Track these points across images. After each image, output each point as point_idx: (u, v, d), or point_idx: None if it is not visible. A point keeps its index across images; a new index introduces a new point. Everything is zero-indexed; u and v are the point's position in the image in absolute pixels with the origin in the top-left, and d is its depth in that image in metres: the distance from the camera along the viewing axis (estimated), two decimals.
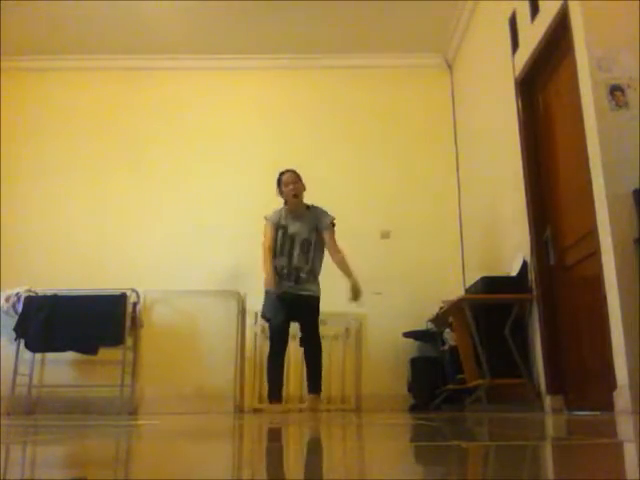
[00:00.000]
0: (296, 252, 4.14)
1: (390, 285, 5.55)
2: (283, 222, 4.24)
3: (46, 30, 5.80)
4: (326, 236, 4.17)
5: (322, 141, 6.01)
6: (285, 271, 4.12)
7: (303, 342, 4.13)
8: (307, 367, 4.12)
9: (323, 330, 5.41)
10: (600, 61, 3.21)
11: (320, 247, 4.21)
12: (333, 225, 4.19)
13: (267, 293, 4.15)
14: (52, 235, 5.77)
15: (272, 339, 4.15)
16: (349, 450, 1.29)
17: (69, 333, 4.98)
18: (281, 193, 4.27)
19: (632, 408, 2.77)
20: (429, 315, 5.08)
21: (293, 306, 4.07)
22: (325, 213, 4.24)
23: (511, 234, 4.45)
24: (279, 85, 6.22)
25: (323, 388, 5.31)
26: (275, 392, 4.10)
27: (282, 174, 4.31)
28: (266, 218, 4.30)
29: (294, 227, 4.20)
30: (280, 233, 4.19)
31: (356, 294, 4.09)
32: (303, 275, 4.11)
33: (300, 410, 4.19)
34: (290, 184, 4.23)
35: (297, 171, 4.31)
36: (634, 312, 2.88)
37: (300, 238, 4.16)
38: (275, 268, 4.12)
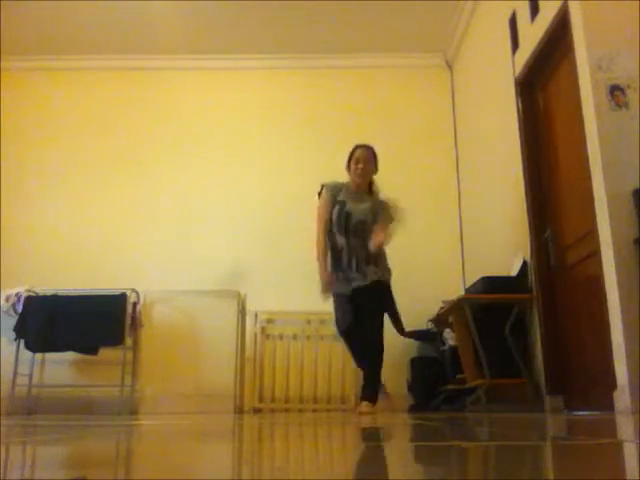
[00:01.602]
0: (351, 230, 3.71)
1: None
2: (342, 197, 3.76)
3: (46, 30, 5.80)
4: (387, 218, 3.79)
5: (322, 141, 6.01)
6: (346, 255, 3.67)
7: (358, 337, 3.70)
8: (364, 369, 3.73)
9: (323, 330, 5.44)
10: (600, 61, 3.21)
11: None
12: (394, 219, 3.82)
13: (335, 296, 3.72)
14: (52, 235, 5.77)
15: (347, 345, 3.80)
16: (349, 450, 1.29)
17: (69, 333, 4.98)
18: (348, 169, 3.83)
19: (632, 408, 2.77)
20: (429, 315, 5.08)
21: (360, 300, 3.65)
22: (390, 207, 3.83)
23: (511, 234, 4.45)
24: (279, 85, 6.22)
25: (324, 387, 5.31)
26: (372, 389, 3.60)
27: (356, 148, 3.84)
28: (324, 186, 3.82)
29: (353, 205, 3.74)
30: (337, 209, 3.73)
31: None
32: (361, 260, 3.67)
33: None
34: (360, 162, 3.78)
35: (374, 149, 3.87)
36: (634, 312, 2.88)
37: (357, 218, 3.72)
38: (334, 249, 3.71)
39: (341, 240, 3.71)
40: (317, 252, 3.77)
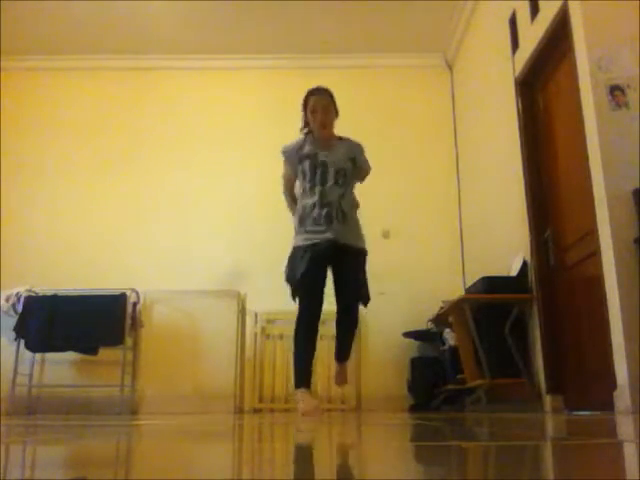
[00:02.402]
0: (329, 183, 3.24)
1: (390, 285, 5.54)
2: (308, 150, 3.31)
3: (46, 30, 5.80)
4: (360, 176, 3.43)
5: None
6: (315, 211, 3.20)
7: (340, 312, 3.30)
8: (338, 339, 3.37)
9: (322, 330, 5.43)
10: (600, 61, 3.21)
11: (353, 184, 3.39)
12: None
13: (294, 250, 3.23)
14: (52, 235, 5.77)
15: (300, 303, 3.19)
16: (349, 450, 1.29)
17: (69, 333, 4.97)
18: (306, 123, 3.39)
19: (632, 408, 2.77)
20: (429, 315, 5.08)
21: (327, 259, 3.20)
22: (362, 150, 3.44)
23: (511, 234, 4.45)
24: (279, 85, 6.22)
25: (323, 388, 5.31)
26: (302, 379, 3.16)
27: (310, 94, 3.43)
28: (283, 152, 3.40)
29: (325, 154, 3.31)
30: (307, 163, 3.26)
31: None
32: (339, 216, 3.21)
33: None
34: (319, 112, 3.35)
35: (330, 90, 3.48)
36: (634, 312, 2.88)
37: (335, 167, 3.27)
38: (302, 210, 3.25)
39: (312, 198, 3.24)
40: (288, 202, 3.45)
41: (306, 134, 3.40)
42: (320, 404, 3.44)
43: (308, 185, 3.27)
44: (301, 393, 3.09)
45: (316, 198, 3.23)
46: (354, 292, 3.30)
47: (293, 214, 3.42)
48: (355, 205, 3.39)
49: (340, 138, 3.46)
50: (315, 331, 3.21)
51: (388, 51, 6.12)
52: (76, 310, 5.02)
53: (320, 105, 3.36)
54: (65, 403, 5.14)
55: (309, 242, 3.20)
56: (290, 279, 3.24)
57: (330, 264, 3.28)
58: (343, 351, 3.42)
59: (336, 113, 3.47)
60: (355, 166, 3.38)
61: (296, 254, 3.24)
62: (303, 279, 3.16)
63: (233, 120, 6.14)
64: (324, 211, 3.21)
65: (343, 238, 3.23)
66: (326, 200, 3.22)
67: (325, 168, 3.26)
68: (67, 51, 6.10)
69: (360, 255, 3.34)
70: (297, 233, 3.31)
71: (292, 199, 3.47)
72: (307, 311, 3.20)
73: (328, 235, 3.19)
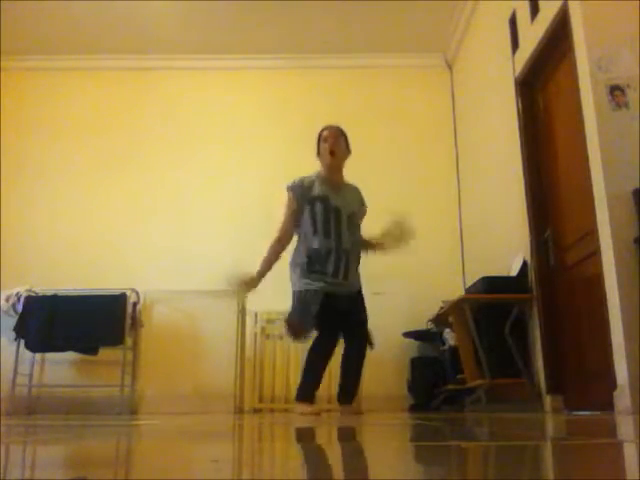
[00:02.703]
0: (343, 230, 3.25)
1: (390, 285, 5.54)
2: (319, 192, 3.29)
3: (46, 30, 5.80)
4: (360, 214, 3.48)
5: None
6: (332, 260, 3.21)
7: (349, 350, 3.41)
8: (342, 376, 3.48)
9: None
10: (600, 61, 3.20)
11: (359, 230, 3.44)
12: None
13: (304, 293, 3.22)
14: (52, 235, 5.77)
15: (323, 330, 3.26)
16: (349, 450, 1.29)
17: (69, 333, 4.97)
18: (318, 153, 3.46)
19: (632, 408, 2.77)
20: (429, 315, 5.07)
21: (343, 311, 3.28)
22: (361, 193, 3.53)
23: (511, 234, 4.45)
24: (278, 85, 6.22)
25: (323, 388, 5.31)
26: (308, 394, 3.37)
27: (323, 129, 3.51)
28: (292, 189, 3.33)
29: (336, 198, 3.32)
30: (320, 207, 3.25)
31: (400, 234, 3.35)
32: (353, 267, 3.29)
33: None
34: (329, 139, 3.41)
35: (344, 129, 3.56)
36: (634, 312, 2.88)
37: (346, 212, 3.29)
38: (313, 252, 3.23)
39: (326, 244, 3.26)
40: (273, 244, 3.36)
41: (316, 176, 3.42)
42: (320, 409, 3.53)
43: (322, 229, 3.27)
44: (303, 406, 3.24)
45: (333, 245, 3.26)
46: (365, 331, 3.46)
47: (272, 255, 3.38)
48: (360, 252, 3.49)
49: (345, 181, 3.52)
50: (332, 354, 3.39)
51: (388, 51, 6.12)
52: (76, 310, 5.02)
53: (331, 134, 3.45)
54: (65, 403, 5.13)
55: (326, 289, 3.25)
56: (303, 321, 3.28)
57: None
58: (351, 390, 3.49)
59: (348, 151, 3.52)
60: (360, 210, 3.47)
61: (307, 297, 3.25)
62: (321, 318, 3.22)
63: (233, 120, 6.14)
64: (342, 262, 3.27)
65: (354, 287, 3.39)
66: (342, 247, 3.28)
67: (339, 214, 3.29)
68: (67, 51, 6.10)
69: (360, 294, 3.49)
70: (303, 274, 3.29)
71: (285, 242, 3.41)
72: (330, 336, 3.32)
73: (347, 290, 3.31)
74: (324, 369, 3.38)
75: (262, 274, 3.40)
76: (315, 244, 3.26)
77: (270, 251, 3.42)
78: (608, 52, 3.21)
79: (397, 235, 3.44)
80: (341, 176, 3.48)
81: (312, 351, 3.34)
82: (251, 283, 3.41)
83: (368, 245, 3.53)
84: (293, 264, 3.40)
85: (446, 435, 1.68)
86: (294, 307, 3.32)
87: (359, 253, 3.43)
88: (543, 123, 4.11)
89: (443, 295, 4.94)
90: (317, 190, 3.32)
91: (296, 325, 3.30)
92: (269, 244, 3.43)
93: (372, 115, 6.10)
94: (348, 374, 3.45)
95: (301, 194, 3.32)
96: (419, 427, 2.09)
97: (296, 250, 3.41)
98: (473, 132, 5.54)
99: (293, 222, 3.38)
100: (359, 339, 3.41)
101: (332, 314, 3.26)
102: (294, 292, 3.35)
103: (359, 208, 3.47)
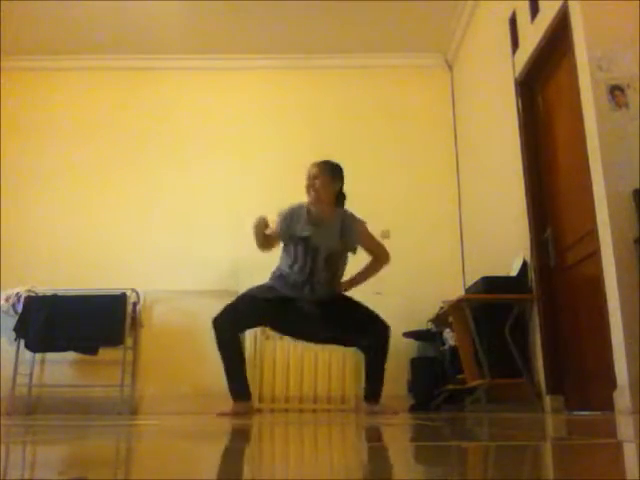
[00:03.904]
0: (319, 268, 3.34)
1: (390, 285, 5.54)
2: (303, 232, 3.32)
3: (46, 30, 5.80)
4: (358, 241, 3.45)
5: (321, 141, 6.01)
6: (300, 284, 3.37)
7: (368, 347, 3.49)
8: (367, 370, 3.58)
9: None
10: (600, 61, 3.21)
11: (345, 260, 3.49)
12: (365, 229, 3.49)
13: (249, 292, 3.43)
14: (52, 235, 5.77)
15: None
16: (349, 450, 1.29)
17: (69, 333, 4.98)
18: (307, 188, 3.42)
19: (632, 408, 2.77)
20: (429, 315, 5.08)
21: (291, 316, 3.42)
22: (358, 228, 3.43)
23: (511, 234, 4.45)
24: (279, 85, 6.22)
25: (324, 387, 5.30)
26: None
27: (312, 166, 3.43)
28: (280, 216, 3.40)
29: (319, 237, 3.32)
30: (301, 248, 3.32)
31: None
32: (322, 287, 3.39)
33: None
34: (315, 180, 3.33)
35: (333, 163, 3.44)
36: (634, 312, 2.88)
37: (326, 252, 3.33)
38: (287, 275, 3.39)
39: (300, 277, 3.37)
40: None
41: (306, 210, 3.42)
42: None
43: (299, 266, 3.35)
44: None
45: (304, 278, 3.36)
46: (376, 327, 3.51)
47: (260, 245, 3.48)
48: (340, 278, 3.51)
49: (336, 210, 3.45)
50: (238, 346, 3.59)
51: (388, 51, 6.12)
52: (76, 310, 5.03)
53: (317, 175, 3.36)
54: (65, 403, 5.13)
55: (287, 293, 3.40)
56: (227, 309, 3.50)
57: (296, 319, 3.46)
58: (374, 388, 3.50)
59: (335, 187, 3.42)
60: (344, 241, 3.38)
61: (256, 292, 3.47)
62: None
63: (233, 120, 6.14)
64: (310, 285, 3.37)
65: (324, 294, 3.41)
66: (315, 280, 3.36)
67: (316, 253, 3.32)
68: (67, 51, 6.10)
69: (343, 298, 3.51)
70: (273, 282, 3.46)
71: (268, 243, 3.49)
72: (228, 329, 3.50)
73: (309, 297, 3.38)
74: (238, 362, 3.46)
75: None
76: (292, 274, 3.40)
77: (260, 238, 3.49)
78: (608, 52, 3.21)
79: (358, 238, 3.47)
80: (328, 210, 3.42)
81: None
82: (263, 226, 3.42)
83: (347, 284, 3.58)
84: (272, 275, 3.56)
85: (446, 435, 1.68)
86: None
87: (335, 280, 3.48)
88: (543, 123, 4.11)
89: (443, 295, 4.94)
90: (301, 230, 3.34)
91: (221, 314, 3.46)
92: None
93: (372, 115, 6.10)
94: (368, 375, 3.56)
95: (287, 227, 3.37)
96: (419, 427, 2.09)
97: (277, 266, 3.55)
98: (473, 132, 5.54)
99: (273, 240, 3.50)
100: (373, 339, 3.46)
101: (262, 310, 3.40)
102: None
103: (344, 236, 3.38)
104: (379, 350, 3.48)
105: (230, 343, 3.44)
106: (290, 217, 3.37)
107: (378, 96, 6.18)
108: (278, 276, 3.47)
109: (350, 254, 3.52)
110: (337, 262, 3.42)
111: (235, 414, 3.32)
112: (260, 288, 3.49)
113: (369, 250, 3.55)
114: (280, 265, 3.51)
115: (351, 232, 3.40)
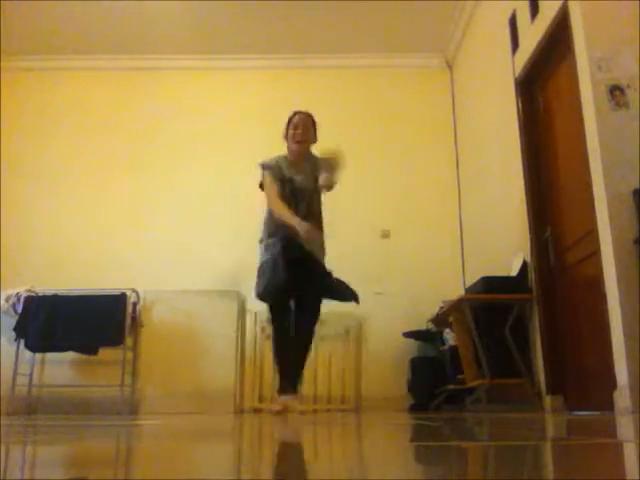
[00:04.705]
0: (302, 204, 3.50)
1: (390, 285, 5.54)
2: (289, 174, 3.55)
3: (46, 30, 5.80)
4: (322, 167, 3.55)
5: (321, 140, 6.00)
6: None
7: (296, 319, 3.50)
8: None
9: (323, 330, 5.44)
10: (600, 61, 3.21)
11: (318, 199, 3.62)
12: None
13: (267, 247, 3.46)
14: (52, 235, 5.77)
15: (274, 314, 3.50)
16: (349, 450, 1.29)
17: (69, 333, 4.97)
18: (286, 137, 3.63)
19: (632, 408, 2.77)
20: (429, 315, 5.08)
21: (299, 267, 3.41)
22: (328, 165, 3.51)
23: (511, 234, 4.45)
24: (279, 85, 6.22)
25: (324, 387, 5.30)
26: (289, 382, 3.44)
27: (294, 114, 3.65)
28: (263, 166, 3.60)
29: (300, 180, 3.55)
30: (289, 188, 3.51)
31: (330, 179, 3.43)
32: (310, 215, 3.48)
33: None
34: (299, 128, 3.58)
35: (314, 116, 3.69)
36: (634, 312, 2.88)
37: (309, 189, 3.54)
38: (278, 223, 3.44)
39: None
40: (277, 210, 3.51)
41: (284, 158, 3.63)
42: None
43: (290, 207, 3.46)
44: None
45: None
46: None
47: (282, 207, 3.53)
48: (321, 221, 3.62)
49: (306, 156, 3.64)
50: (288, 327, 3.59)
51: (388, 51, 6.12)
52: (76, 310, 5.02)
53: (302, 123, 3.60)
54: (65, 403, 5.14)
55: (285, 238, 3.42)
56: (265, 288, 3.48)
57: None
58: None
59: (315, 138, 3.68)
60: (317, 172, 3.52)
61: (266, 266, 3.46)
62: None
63: (233, 120, 6.14)
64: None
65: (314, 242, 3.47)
66: (299, 214, 3.43)
67: (302, 192, 3.52)
68: (67, 51, 6.10)
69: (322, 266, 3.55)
70: (267, 247, 3.51)
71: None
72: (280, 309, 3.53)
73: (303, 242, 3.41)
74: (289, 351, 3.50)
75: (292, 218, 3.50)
76: (280, 218, 3.47)
77: (277, 207, 3.53)
78: (608, 52, 3.21)
79: (330, 164, 3.51)
80: (304, 156, 3.62)
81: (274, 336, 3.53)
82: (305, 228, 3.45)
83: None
84: (261, 239, 3.61)
85: (446, 435, 1.68)
86: (258, 278, 3.50)
87: (319, 221, 3.58)
88: (543, 123, 4.11)
89: (443, 295, 4.95)
90: (286, 172, 3.54)
91: (262, 294, 3.46)
92: (273, 208, 3.57)
93: (372, 115, 6.10)
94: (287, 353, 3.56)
95: (276, 173, 3.55)
96: (419, 427, 2.09)
97: (263, 227, 3.61)
98: (473, 132, 5.54)
99: (279, 198, 3.55)
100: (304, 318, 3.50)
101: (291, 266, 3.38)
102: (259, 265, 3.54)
103: (315, 173, 3.52)
104: (308, 309, 3.51)
105: (283, 310, 3.51)
106: (276, 162, 3.60)
107: (378, 96, 6.18)
108: (270, 234, 3.51)
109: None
110: (317, 202, 3.58)
111: (284, 409, 3.34)
112: (270, 248, 3.48)
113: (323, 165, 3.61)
114: (265, 225, 3.59)
115: (319, 167, 3.55)
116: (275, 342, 3.53)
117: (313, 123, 3.66)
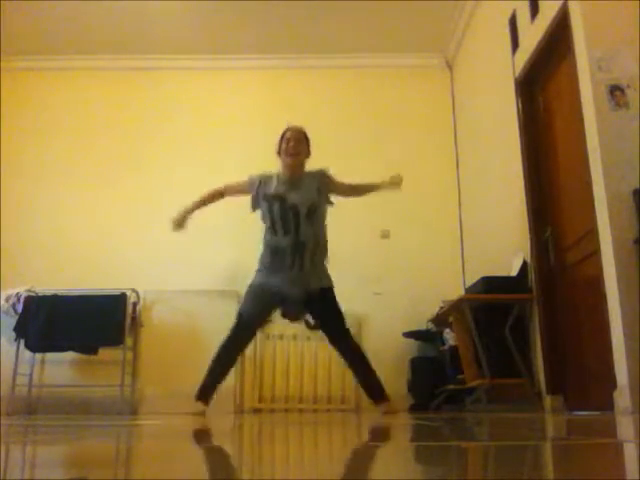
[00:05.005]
0: (302, 224, 3.42)
1: (390, 285, 5.54)
2: (276, 191, 3.48)
3: (46, 30, 5.80)
4: (334, 188, 3.59)
5: (321, 141, 5.99)
6: (290, 251, 3.40)
7: (340, 350, 3.60)
8: (357, 376, 3.67)
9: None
10: (600, 61, 3.21)
11: (325, 214, 3.58)
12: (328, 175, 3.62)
13: (251, 287, 3.55)
14: (52, 235, 5.77)
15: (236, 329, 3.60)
16: (349, 450, 1.29)
17: (69, 333, 4.98)
18: (279, 153, 3.61)
19: (632, 408, 2.77)
20: (429, 315, 5.07)
21: (293, 304, 3.49)
22: (324, 173, 3.59)
23: (511, 234, 4.45)
24: (279, 85, 6.22)
25: (324, 387, 5.31)
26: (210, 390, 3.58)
27: (287, 130, 3.66)
28: (249, 177, 3.64)
29: (295, 195, 3.46)
30: (277, 206, 3.44)
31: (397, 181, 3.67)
32: (309, 257, 3.42)
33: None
34: (292, 141, 3.57)
35: (307, 132, 3.71)
36: (634, 312, 2.88)
37: (306, 205, 3.44)
38: (275, 251, 3.45)
39: (285, 240, 3.44)
40: (214, 190, 3.79)
41: (276, 175, 3.60)
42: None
43: (281, 228, 3.45)
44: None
45: (291, 241, 3.43)
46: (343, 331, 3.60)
47: (206, 197, 3.87)
48: (325, 243, 3.60)
49: (304, 173, 3.62)
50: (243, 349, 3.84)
51: (388, 51, 6.12)
52: (76, 310, 5.03)
53: (293, 137, 3.60)
54: (65, 403, 5.14)
55: (281, 288, 3.48)
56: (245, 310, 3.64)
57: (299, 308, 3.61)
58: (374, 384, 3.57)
59: (308, 153, 3.65)
60: (321, 195, 3.54)
61: (256, 290, 3.60)
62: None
63: (233, 120, 6.14)
64: (298, 254, 3.43)
65: (314, 283, 3.48)
66: (300, 240, 3.44)
67: (296, 210, 3.45)
68: (67, 51, 6.10)
69: (329, 292, 3.56)
70: (263, 276, 3.56)
71: (225, 196, 3.83)
72: (244, 329, 3.67)
73: (302, 288, 3.46)
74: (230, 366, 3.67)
75: (188, 211, 3.87)
76: (276, 243, 3.47)
77: (207, 194, 3.87)
78: (608, 52, 3.21)
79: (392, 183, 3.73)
80: (299, 171, 3.58)
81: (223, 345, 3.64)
82: (179, 220, 3.87)
83: (366, 188, 3.81)
84: (259, 265, 3.64)
85: (446, 435, 1.68)
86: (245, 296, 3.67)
87: (321, 243, 3.55)
88: (543, 123, 4.11)
89: (443, 295, 4.94)
90: (274, 189, 3.51)
91: (241, 314, 3.62)
92: (211, 189, 3.84)
93: (372, 115, 6.10)
94: (359, 371, 3.62)
95: (258, 186, 3.56)
96: (419, 427, 2.09)
97: (262, 252, 3.63)
98: (473, 132, 5.54)
99: (237, 194, 3.77)
100: (343, 340, 3.57)
101: (266, 307, 3.56)
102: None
103: (321, 190, 3.54)
104: (353, 350, 3.61)
105: (243, 343, 3.68)
106: (260, 179, 3.59)
107: (378, 96, 6.18)
108: (269, 264, 3.53)
109: (329, 207, 3.65)
110: (319, 217, 3.53)
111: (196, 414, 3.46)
112: (257, 276, 3.59)
113: (344, 192, 3.72)
114: (264, 250, 3.58)
115: (327, 184, 3.58)
116: (222, 349, 3.67)
117: (306, 137, 3.67)
